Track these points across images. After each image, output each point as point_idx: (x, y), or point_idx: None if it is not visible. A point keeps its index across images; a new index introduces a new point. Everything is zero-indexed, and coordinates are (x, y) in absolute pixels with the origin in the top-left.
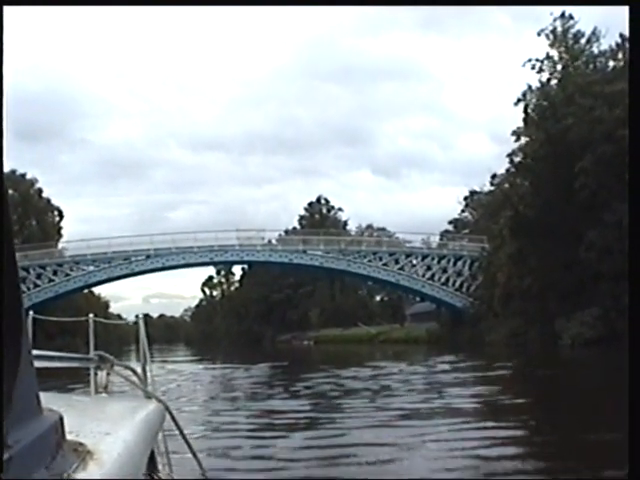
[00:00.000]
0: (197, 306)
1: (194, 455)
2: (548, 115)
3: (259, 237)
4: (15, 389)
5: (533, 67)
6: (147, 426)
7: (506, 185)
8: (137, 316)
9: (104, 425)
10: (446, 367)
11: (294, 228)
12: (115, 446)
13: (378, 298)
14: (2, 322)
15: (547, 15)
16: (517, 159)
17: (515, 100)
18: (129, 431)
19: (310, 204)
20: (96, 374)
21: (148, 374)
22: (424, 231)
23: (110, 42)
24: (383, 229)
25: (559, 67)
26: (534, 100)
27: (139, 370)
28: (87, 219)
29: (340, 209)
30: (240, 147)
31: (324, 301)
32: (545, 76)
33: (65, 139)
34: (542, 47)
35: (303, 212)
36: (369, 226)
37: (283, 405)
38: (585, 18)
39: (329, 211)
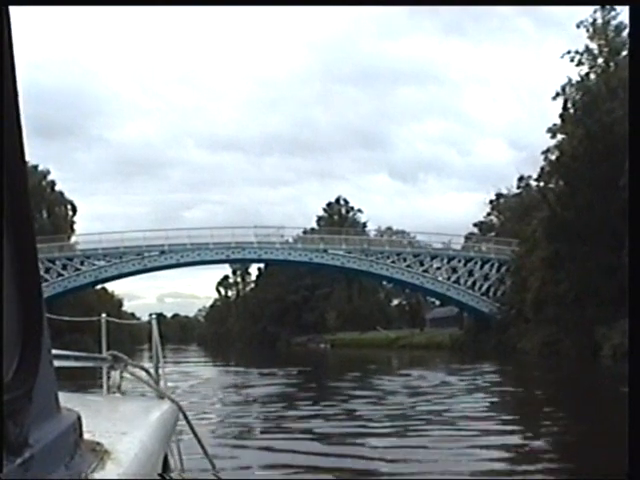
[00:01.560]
0: (211, 306)
1: (207, 456)
2: (590, 110)
3: (278, 235)
4: (35, 388)
5: (572, 60)
6: (162, 426)
7: (540, 184)
8: (150, 315)
9: (120, 425)
10: (494, 378)
11: (312, 229)
12: (132, 446)
13: (396, 302)
14: (23, 322)
15: (569, 21)
16: (552, 157)
17: (552, 95)
18: (145, 431)
19: (329, 204)
20: (109, 374)
21: (161, 374)
22: (441, 237)
23: (129, 41)
24: (402, 232)
25: (600, 61)
26: (573, 95)
27: (152, 370)
28: (102, 217)
29: (359, 210)
30: (257, 148)
31: (341, 303)
32: (584, 70)
33: (82, 136)
34: (565, 49)
35: (321, 213)
36: (388, 228)
37: (325, 428)
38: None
39: (348, 212)
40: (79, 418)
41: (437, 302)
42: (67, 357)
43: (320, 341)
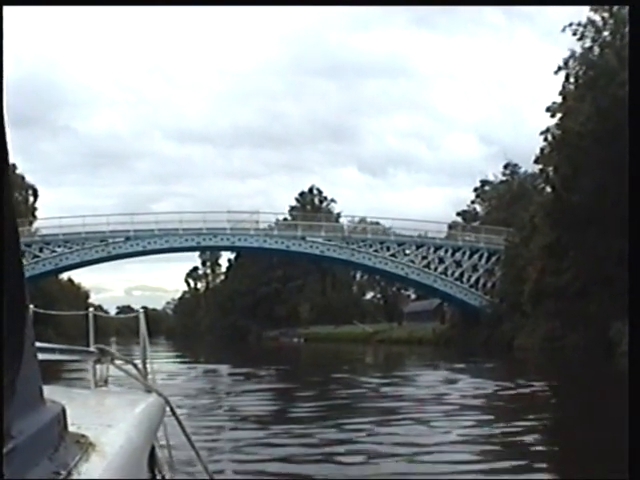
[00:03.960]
0: (180, 298)
1: (194, 449)
2: (598, 84)
3: (252, 221)
4: (18, 380)
5: (574, 33)
6: (148, 419)
7: (540, 167)
8: (137, 310)
9: (105, 418)
10: (507, 381)
11: (285, 219)
12: (117, 438)
13: (370, 295)
14: (6, 313)
15: (539, 15)
16: (551, 137)
17: (555, 69)
18: (130, 424)
19: (302, 194)
20: (96, 368)
21: (149, 368)
22: (412, 230)
23: (97, 31)
24: (377, 223)
25: (605, 33)
26: (577, 69)
27: (139, 364)
28: (69, 209)
29: (333, 200)
30: (226, 140)
31: (314, 296)
32: (587, 43)
33: (48, 127)
34: (536, 43)
35: (294, 203)
36: (362, 219)
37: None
38: None
39: (322, 202)
40: (64, 410)
41: (413, 295)
42: (54, 350)
43: (293, 335)
